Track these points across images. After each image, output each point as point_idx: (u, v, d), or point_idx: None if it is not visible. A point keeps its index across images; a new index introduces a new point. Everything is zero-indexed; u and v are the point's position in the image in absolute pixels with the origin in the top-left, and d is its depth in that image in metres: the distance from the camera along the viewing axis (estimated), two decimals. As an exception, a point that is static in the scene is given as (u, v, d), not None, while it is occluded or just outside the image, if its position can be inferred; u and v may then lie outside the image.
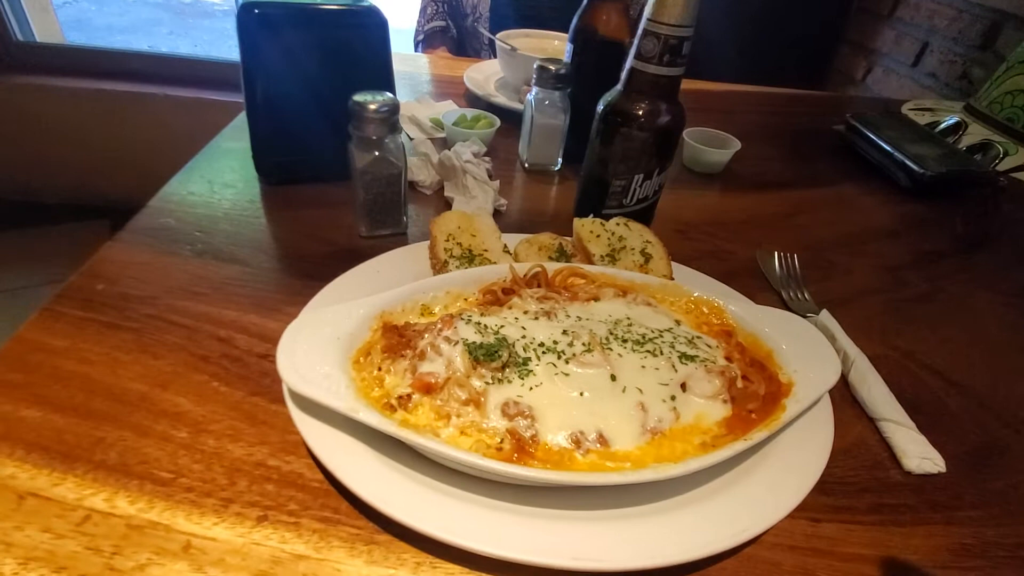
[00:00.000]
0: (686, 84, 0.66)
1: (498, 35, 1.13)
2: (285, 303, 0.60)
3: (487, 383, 0.44)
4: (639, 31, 0.63)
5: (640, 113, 0.66)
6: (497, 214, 0.80)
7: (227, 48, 3.65)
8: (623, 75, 0.67)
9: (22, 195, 2.23)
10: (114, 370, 0.51)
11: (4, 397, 0.47)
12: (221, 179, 0.80)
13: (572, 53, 0.87)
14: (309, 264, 0.67)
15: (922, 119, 1.22)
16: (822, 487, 0.46)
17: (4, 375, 0.49)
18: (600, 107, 0.70)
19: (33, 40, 2.11)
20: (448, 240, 0.62)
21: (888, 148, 1.02)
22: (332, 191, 0.78)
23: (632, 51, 0.64)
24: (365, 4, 0.73)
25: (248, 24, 0.67)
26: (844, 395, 0.58)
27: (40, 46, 2.13)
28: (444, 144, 0.92)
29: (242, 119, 0.93)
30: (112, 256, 0.64)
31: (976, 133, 1.13)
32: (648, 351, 0.48)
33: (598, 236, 0.65)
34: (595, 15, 0.83)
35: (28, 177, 2.22)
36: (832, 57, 2.11)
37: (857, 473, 0.50)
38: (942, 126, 1.17)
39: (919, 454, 0.51)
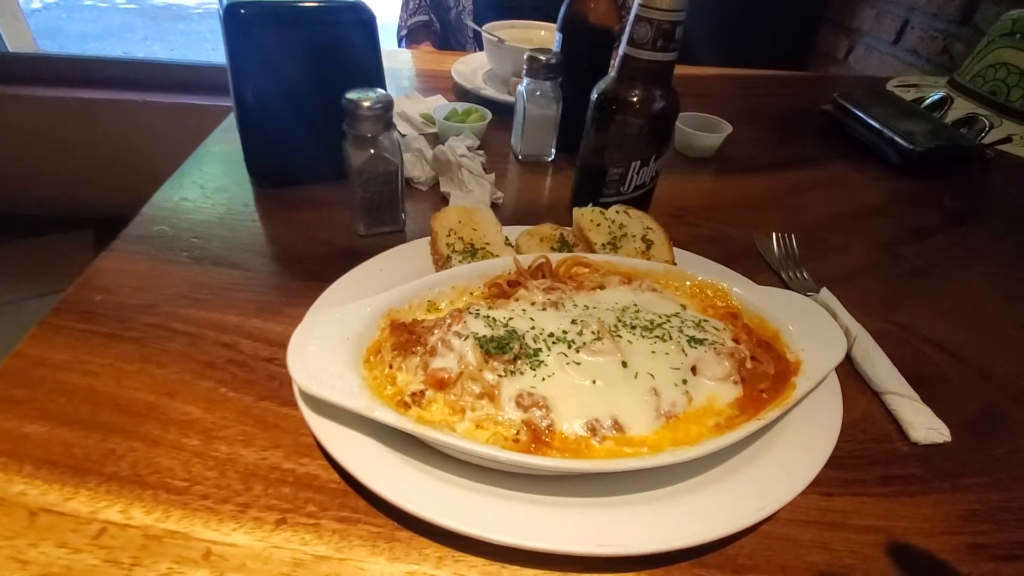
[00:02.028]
0: (675, 69, 0.65)
1: (484, 27, 1.12)
2: (287, 305, 0.59)
3: (500, 376, 0.44)
4: (631, 18, 0.63)
5: (635, 100, 0.66)
6: (494, 207, 0.79)
7: (204, 51, 3.59)
8: (616, 62, 0.67)
9: (1, 208, 2.19)
10: (119, 381, 0.50)
11: (8, 414, 0.47)
12: (213, 184, 0.79)
13: (561, 42, 0.86)
14: (308, 265, 0.66)
15: (908, 95, 1.23)
16: (833, 461, 0.46)
17: (7, 391, 0.48)
18: (594, 95, 0.69)
19: (5, 50, 2.07)
20: (449, 235, 0.62)
21: (877, 125, 1.03)
22: (326, 191, 0.77)
23: (624, 38, 0.64)
24: (351, 0, 0.72)
25: (234, 25, 0.66)
26: (848, 371, 0.58)
27: (13, 56, 2.08)
28: (436, 139, 0.92)
29: (229, 122, 0.92)
30: (108, 266, 0.63)
31: (961, 107, 1.15)
32: (657, 336, 0.48)
33: (599, 225, 0.65)
34: (583, 3, 0.82)
35: (6, 189, 2.18)
36: (813, 37, 2.12)
37: (866, 446, 0.51)
38: (928, 102, 1.18)
39: (925, 425, 0.52)
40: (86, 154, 2.12)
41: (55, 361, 0.52)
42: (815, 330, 0.51)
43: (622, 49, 0.65)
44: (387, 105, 0.63)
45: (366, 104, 0.62)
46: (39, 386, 0.49)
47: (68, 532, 0.39)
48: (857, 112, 1.08)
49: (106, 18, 4.32)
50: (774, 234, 0.76)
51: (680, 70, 0.65)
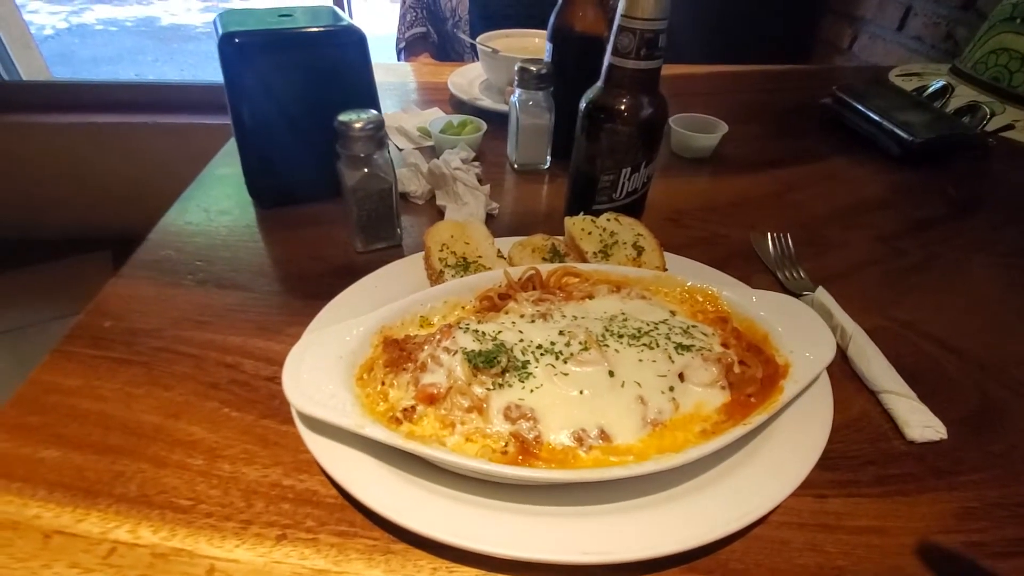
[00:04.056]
0: (668, 69, 0.66)
1: (479, 38, 1.13)
2: (288, 324, 0.61)
3: (488, 389, 0.45)
4: (614, 27, 0.63)
5: (622, 108, 0.67)
6: (490, 218, 0.81)
7: (213, 70, 3.65)
8: (603, 71, 0.68)
9: (22, 232, 2.26)
10: (128, 404, 0.52)
11: (24, 440, 0.49)
12: (217, 207, 0.81)
13: (552, 52, 0.87)
14: (308, 284, 0.68)
15: (909, 84, 1.22)
16: (826, 463, 0.46)
17: (22, 418, 0.51)
18: (583, 104, 0.70)
19: (19, 79, 2.13)
20: (442, 250, 0.63)
21: (876, 118, 1.02)
22: (325, 210, 0.79)
23: (609, 47, 0.65)
24: (343, 23, 0.74)
25: (230, 54, 0.68)
26: (844, 370, 0.58)
27: (26, 84, 2.14)
28: (433, 152, 0.93)
29: (232, 145, 0.95)
30: (116, 292, 0.66)
31: (963, 95, 1.13)
32: (644, 344, 0.49)
33: (589, 233, 0.66)
34: (571, 12, 0.83)
35: (26, 214, 2.25)
36: (817, 27, 2.10)
37: (860, 447, 0.51)
38: (929, 91, 1.16)
39: (921, 423, 0.52)
40: (100, 177, 2.18)
41: (67, 387, 0.54)
42: (804, 332, 0.51)
43: (607, 58, 0.66)
44: (378, 125, 0.65)
45: (358, 125, 0.64)
46: (52, 412, 0.51)
47: (80, 553, 0.41)
48: (856, 105, 1.07)
49: (117, 42, 4.43)
50: (769, 234, 0.76)
51: (674, 69, 0.66)
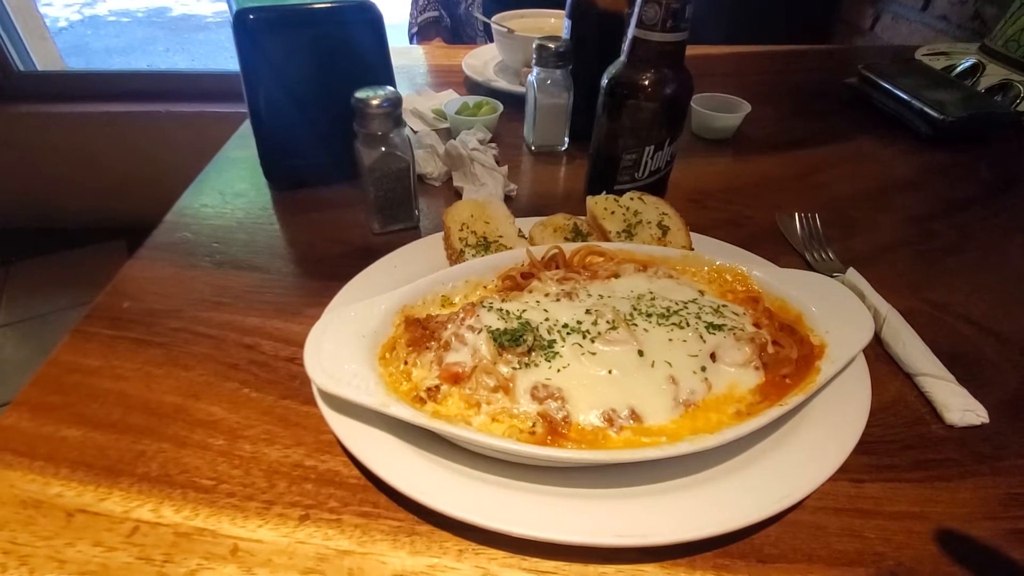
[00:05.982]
0: (688, 50, 0.64)
1: (493, 18, 1.11)
2: (306, 305, 0.60)
3: (514, 368, 0.44)
4: (639, -1, 0.61)
5: (646, 83, 0.65)
6: (508, 199, 0.79)
7: (224, 59, 3.66)
8: (626, 45, 0.65)
9: (39, 222, 2.28)
10: (148, 384, 0.52)
11: (45, 419, 0.48)
12: (232, 189, 0.80)
13: (571, 29, 0.85)
14: (326, 265, 0.67)
15: (937, 64, 1.18)
16: (863, 447, 0.45)
17: (43, 398, 0.50)
18: (605, 80, 0.68)
19: (34, 69, 2.14)
20: (462, 229, 0.62)
21: (905, 96, 0.99)
22: (342, 191, 0.78)
23: (633, 20, 0.63)
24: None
25: (244, 31, 0.67)
26: (878, 353, 0.56)
27: (42, 74, 2.15)
28: (448, 134, 0.91)
29: (247, 128, 0.94)
30: (134, 274, 0.65)
31: (994, 74, 1.09)
32: (674, 324, 0.47)
33: (612, 212, 0.64)
34: (591, -13, 0.81)
35: (43, 204, 2.26)
36: (838, 8, 2.04)
37: (898, 431, 0.49)
38: (959, 69, 1.12)
39: (961, 407, 0.50)
40: (115, 166, 2.19)
41: (88, 367, 0.54)
42: (840, 311, 0.49)
43: (631, 31, 0.64)
44: (396, 103, 0.63)
45: (375, 102, 0.62)
46: (73, 391, 0.51)
47: (103, 531, 0.41)
48: (884, 84, 1.04)
49: (129, 32, 4.44)
50: (797, 214, 0.74)
51: (695, 50, 0.64)
